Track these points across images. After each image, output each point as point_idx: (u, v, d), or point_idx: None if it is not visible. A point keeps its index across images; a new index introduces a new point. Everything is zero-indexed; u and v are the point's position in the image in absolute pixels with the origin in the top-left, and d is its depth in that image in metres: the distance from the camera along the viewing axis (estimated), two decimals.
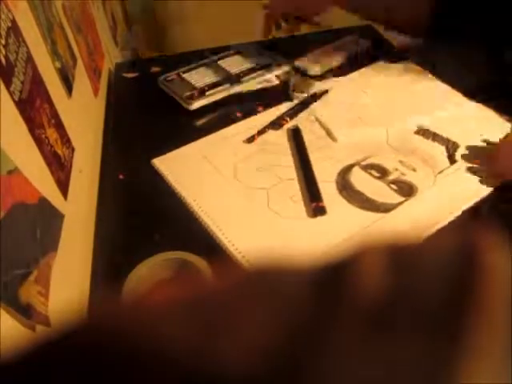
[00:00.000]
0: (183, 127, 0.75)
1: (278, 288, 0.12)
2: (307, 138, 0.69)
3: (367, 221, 0.55)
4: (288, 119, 0.72)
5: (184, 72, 0.84)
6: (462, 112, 0.71)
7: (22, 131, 0.43)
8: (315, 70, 0.84)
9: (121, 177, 0.66)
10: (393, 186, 0.59)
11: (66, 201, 0.51)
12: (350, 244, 0.13)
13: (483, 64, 0.68)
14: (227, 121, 0.74)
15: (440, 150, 0.64)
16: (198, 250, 0.48)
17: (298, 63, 0.86)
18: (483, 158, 0.61)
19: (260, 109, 0.76)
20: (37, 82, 0.50)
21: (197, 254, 0.47)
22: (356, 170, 0.63)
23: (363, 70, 0.84)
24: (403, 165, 0.62)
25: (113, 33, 1.13)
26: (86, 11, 0.87)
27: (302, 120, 0.73)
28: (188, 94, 0.78)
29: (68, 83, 0.62)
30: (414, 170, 0.62)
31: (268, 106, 0.77)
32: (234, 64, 0.85)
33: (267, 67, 0.83)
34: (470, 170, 0.61)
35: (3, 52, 0.42)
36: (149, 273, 0.46)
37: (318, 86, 0.80)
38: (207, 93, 0.78)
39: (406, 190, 0.59)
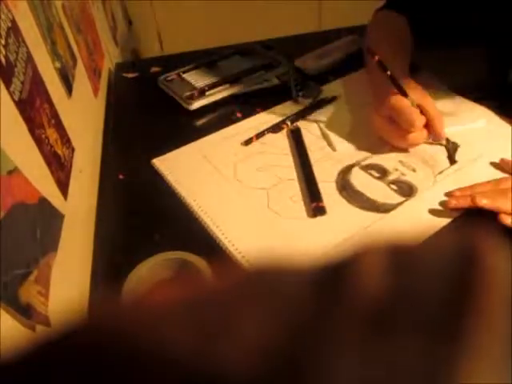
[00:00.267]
0: (183, 127, 0.75)
1: (277, 288, 0.12)
2: (307, 138, 0.69)
3: (367, 221, 0.55)
4: (289, 123, 0.72)
5: (184, 72, 0.84)
6: (463, 112, 0.71)
7: (22, 131, 0.43)
8: (315, 70, 0.84)
9: (121, 177, 0.66)
10: (393, 187, 0.59)
11: (66, 201, 0.51)
12: (350, 244, 0.13)
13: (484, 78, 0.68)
14: (227, 121, 0.74)
15: (440, 150, 0.64)
16: (198, 250, 0.48)
17: (298, 63, 0.86)
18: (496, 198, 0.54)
19: (260, 109, 0.76)
20: (37, 82, 0.50)
21: (197, 253, 0.47)
22: (356, 170, 0.63)
23: (363, 69, 0.84)
24: (403, 165, 0.62)
25: (113, 33, 1.13)
26: (86, 11, 0.87)
27: (302, 120, 0.73)
28: (188, 94, 0.78)
29: (68, 83, 0.62)
30: (414, 170, 0.62)
31: (268, 106, 0.77)
32: (233, 64, 0.86)
33: (267, 67, 0.83)
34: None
35: (3, 52, 0.42)
36: (149, 273, 0.46)
37: (325, 93, 0.79)
38: (207, 93, 0.78)
39: (406, 190, 0.59)
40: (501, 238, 0.13)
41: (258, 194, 0.60)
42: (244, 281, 0.13)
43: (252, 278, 0.13)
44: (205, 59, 0.87)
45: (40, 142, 0.46)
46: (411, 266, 0.12)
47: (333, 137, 0.69)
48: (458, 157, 0.63)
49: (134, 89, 0.89)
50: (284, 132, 0.71)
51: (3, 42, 0.42)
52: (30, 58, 0.48)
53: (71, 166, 0.56)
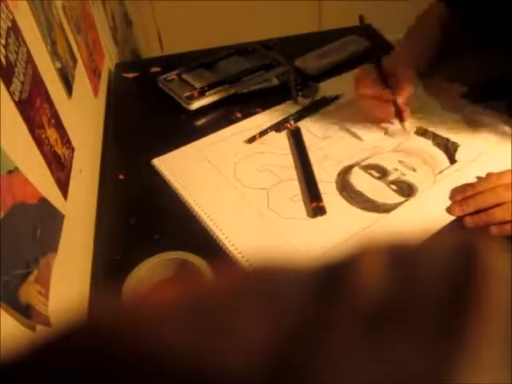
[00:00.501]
0: (183, 127, 0.75)
1: (277, 288, 0.12)
2: (307, 138, 0.69)
3: (367, 221, 0.55)
4: (292, 122, 0.72)
5: (184, 72, 0.84)
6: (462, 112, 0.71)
7: (22, 131, 0.43)
8: (315, 70, 0.84)
9: (121, 177, 0.66)
10: (393, 187, 0.59)
11: (66, 201, 0.51)
12: (350, 244, 0.13)
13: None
14: (227, 121, 0.74)
15: (440, 150, 0.64)
16: (197, 250, 0.48)
17: (297, 63, 0.86)
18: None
19: (260, 109, 0.76)
20: (37, 82, 0.50)
21: (197, 254, 0.47)
22: (356, 170, 0.63)
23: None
24: (403, 165, 0.62)
25: (113, 33, 1.13)
26: (86, 11, 0.87)
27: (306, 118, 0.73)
28: (188, 94, 0.78)
29: (68, 83, 0.62)
30: (414, 170, 0.62)
31: (268, 106, 0.77)
32: (233, 64, 0.85)
33: (267, 67, 0.83)
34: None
35: (3, 52, 0.42)
36: (149, 273, 0.46)
37: (324, 91, 0.79)
38: (207, 93, 0.78)
39: (406, 190, 0.59)
40: (501, 238, 0.13)
41: (258, 194, 0.60)
42: (244, 281, 0.13)
43: (252, 278, 0.13)
44: (205, 59, 0.87)
45: (40, 142, 0.46)
46: (411, 267, 0.12)
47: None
48: (457, 157, 0.63)
49: (133, 89, 0.89)
50: (284, 132, 0.71)
51: (3, 41, 0.42)
52: (30, 58, 0.48)
53: (71, 165, 0.56)
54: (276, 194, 0.60)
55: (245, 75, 0.81)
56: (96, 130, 0.76)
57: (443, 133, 0.67)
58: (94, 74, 0.81)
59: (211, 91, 0.78)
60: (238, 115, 0.76)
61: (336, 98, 0.77)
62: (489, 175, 0.56)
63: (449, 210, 0.55)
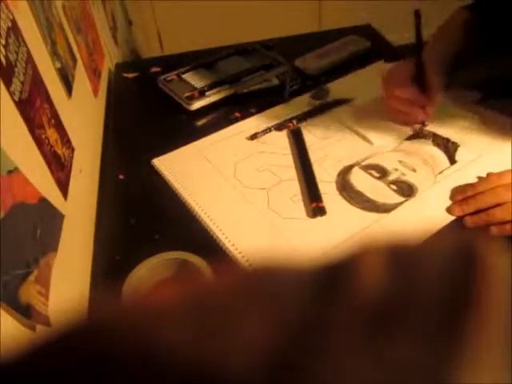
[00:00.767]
0: (183, 127, 0.75)
1: (277, 288, 0.12)
2: (307, 138, 0.69)
3: (367, 221, 0.55)
4: (294, 122, 0.72)
5: (184, 72, 0.84)
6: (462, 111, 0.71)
7: (22, 131, 0.43)
8: (315, 70, 0.84)
9: (121, 177, 0.66)
10: (393, 187, 0.59)
11: (66, 201, 0.51)
12: (350, 244, 0.13)
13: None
14: (227, 121, 0.75)
15: (440, 150, 0.64)
16: (197, 250, 0.48)
17: (298, 63, 0.86)
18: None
19: (260, 109, 0.76)
20: (37, 82, 0.50)
21: (197, 254, 0.47)
22: (356, 170, 0.63)
23: (363, 69, 0.84)
24: (403, 165, 0.62)
25: (113, 33, 1.13)
26: (86, 11, 0.87)
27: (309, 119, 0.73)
28: (188, 94, 0.78)
29: (68, 83, 0.62)
30: (414, 170, 0.62)
31: (268, 106, 0.77)
32: (233, 64, 0.85)
33: (267, 67, 0.83)
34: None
35: (3, 52, 0.42)
36: (149, 273, 0.46)
37: (333, 95, 0.78)
38: (207, 93, 0.78)
39: (406, 190, 0.59)
40: (501, 238, 0.13)
41: (258, 194, 0.60)
42: (244, 281, 0.13)
43: (252, 278, 0.13)
44: (205, 59, 0.87)
45: (40, 142, 0.46)
46: (411, 266, 0.12)
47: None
48: (457, 157, 0.63)
49: (133, 89, 0.89)
50: (284, 132, 0.71)
51: (3, 41, 0.42)
52: (30, 58, 0.48)
53: (71, 165, 0.56)
54: (276, 194, 0.60)
55: (245, 75, 0.81)
56: (96, 129, 0.76)
57: (443, 133, 0.67)
58: (94, 73, 0.81)
59: (211, 91, 0.78)
60: (238, 115, 0.76)
61: (346, 100, 0.76)
62: (489, 175, 0.56)
63: (449, 210, 0.55)
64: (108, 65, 0.96)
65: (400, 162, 0.63)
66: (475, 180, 0.58)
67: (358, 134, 0.69)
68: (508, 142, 0.63)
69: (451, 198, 0.56)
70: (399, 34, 0.76)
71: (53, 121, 0.52)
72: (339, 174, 0.62)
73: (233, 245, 0.53)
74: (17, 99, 0.42)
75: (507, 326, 0.11)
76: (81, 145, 0.61)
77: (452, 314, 0.11)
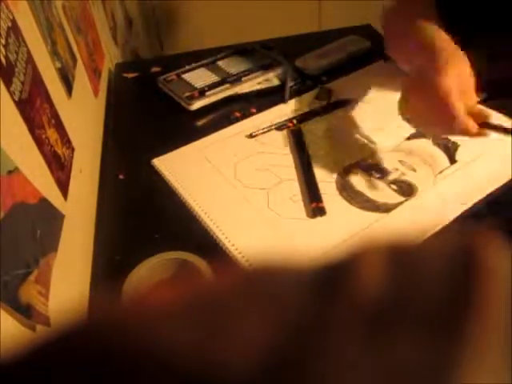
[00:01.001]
0: (183, 127, 0.75)
1: (277, 288, 0.12)
2: (307, 138, 0.69)
3: (367, 221, 0.55)
4: (295, 122, 0.72)
5: (184, 72, 0.84)
6: None
7: (22, 131, 0.43)
8: (315, 70, 0.84)
9: (121, 177, 0.66)
10: (393, 186, 0.59)
11: (66, 201, 0.51)
12: (350, 244, 0.13)
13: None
14: (227, 121, 0.74)
15: (440, 150, 0.64)
16: (197, 250, 0.48)
17: (298, 63, 0.86)
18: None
19: (260, 109, 0.76)
20: (37, 82, 0.50)
21: (197, 254, 0.47)
22: (356, 170, 0.63)
23: (363, 69, 0.84)
24: (403, 165, 0.62)
25: (113, 33, 1.13)
26: (86, 11, 0.87)
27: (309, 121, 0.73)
28: (188, 94, 0.78)
29: (68, 83, 0.62)
30: (414, 170, 0.62)
31: (268, 106, 0.77)
32: (233, 64, 0.85)
33: (267, 67, 0.83)
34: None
35: (3, 52, 0.42)
36: (149, 273, 0.46)
37: (335, 95, 0.78)
38: (207, 93, 0.78)
39: (406, 189, 0.59)
40: (501, 238, 0.13)
41: (258, 194, 0.60)
42: (244, 281, 0.13)
43: (251, 278, 0.13)
44: (205, 59, 0.87)
45: (40, 142, 0.46)
46: (411, 266, 0.12)
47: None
48: (457, 157, 0.63)
49: (133, 89, 0.89)
50: (284, 132, 0.71)
51: (3, 41, 0.42)
52: (30, 58, 0.48)
53: (71, 165, 0.56)
54: (276, 194, 0.60)
55: (245, 75, 0.81)
56: (96, 129, 0.76)
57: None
58: (94, 73, 0.81)
59: (211, 91, 0.78)
60: (238, 115, 0.76)
61: (348, 101, 0.76)
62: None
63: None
64: (108, 65, 0.96)
65: (400, 161, 0.63)
66: (475, 180, 0.58)
67: (358, 133, 0.69)
68: (508, 142, 0.63)
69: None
70: None
71: (53, 121, 0.52)
72: (339, 174, 0.62)
73: (233, 245, 0.53)
74: (17, 99, 0.42)
75: (507, 326, 0.11)
76: (81, 145, 0.61)
77: (452, 314, 0.11)
